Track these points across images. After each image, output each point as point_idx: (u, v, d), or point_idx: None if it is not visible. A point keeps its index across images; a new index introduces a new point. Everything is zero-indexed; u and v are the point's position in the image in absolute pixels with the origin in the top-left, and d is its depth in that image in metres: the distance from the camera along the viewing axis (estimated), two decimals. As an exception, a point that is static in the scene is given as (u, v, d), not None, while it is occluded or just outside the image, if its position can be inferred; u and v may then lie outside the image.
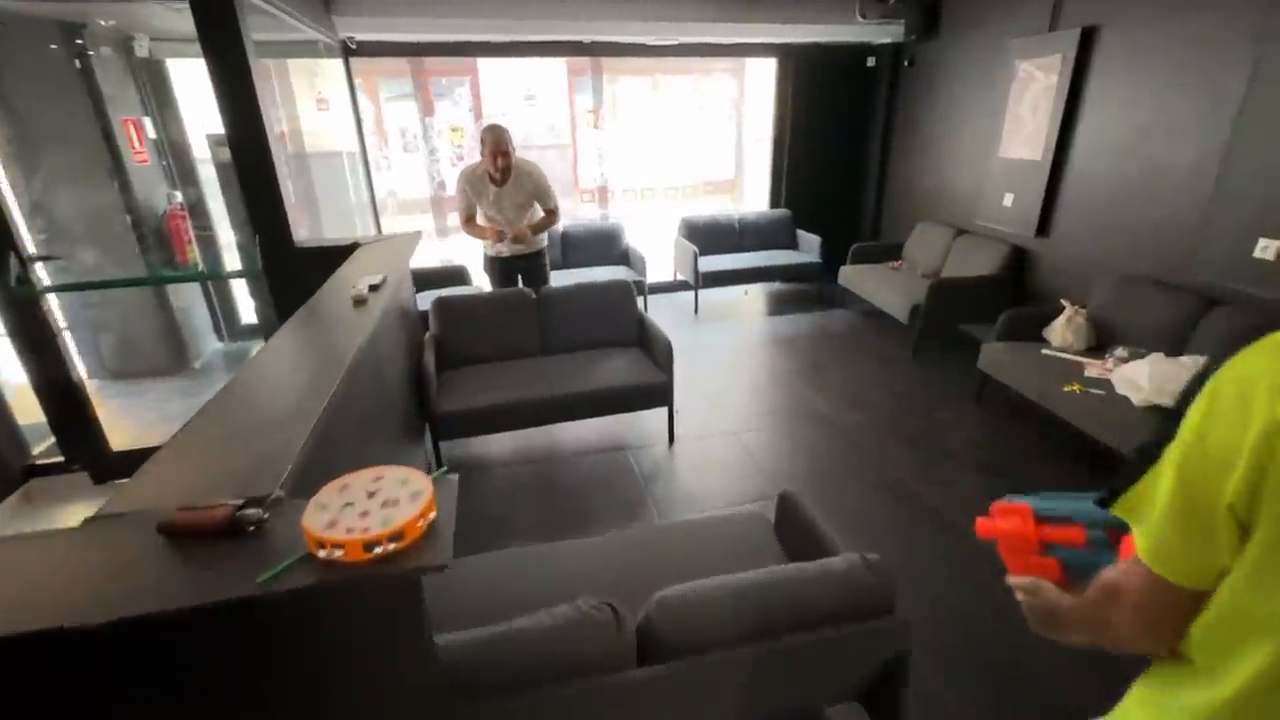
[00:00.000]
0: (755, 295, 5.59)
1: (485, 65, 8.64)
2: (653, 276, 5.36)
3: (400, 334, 2.59)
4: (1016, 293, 3.89)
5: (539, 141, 8.75)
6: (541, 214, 3.39)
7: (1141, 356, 2.68)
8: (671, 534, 1.84)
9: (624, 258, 5.19)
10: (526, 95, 9.72)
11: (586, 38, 4.48)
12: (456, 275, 4.53)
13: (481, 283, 4.29)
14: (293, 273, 2.70)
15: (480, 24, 4.06)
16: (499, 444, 3.09)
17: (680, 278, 5.47)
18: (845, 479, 2.75)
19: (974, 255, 4.10)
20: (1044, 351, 3.08)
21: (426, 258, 5.98)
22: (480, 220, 3.35)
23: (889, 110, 5.20)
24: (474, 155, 3.17)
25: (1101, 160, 3.32)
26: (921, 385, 3.67)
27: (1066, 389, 2.72)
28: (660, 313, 5.08)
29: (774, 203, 5.73)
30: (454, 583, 1.62)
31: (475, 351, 3.11)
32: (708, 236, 5.34)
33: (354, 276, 2.15)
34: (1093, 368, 2.84)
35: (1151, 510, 0.53)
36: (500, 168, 3.11)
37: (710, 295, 5.41)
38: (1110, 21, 3.19)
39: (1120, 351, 2.81)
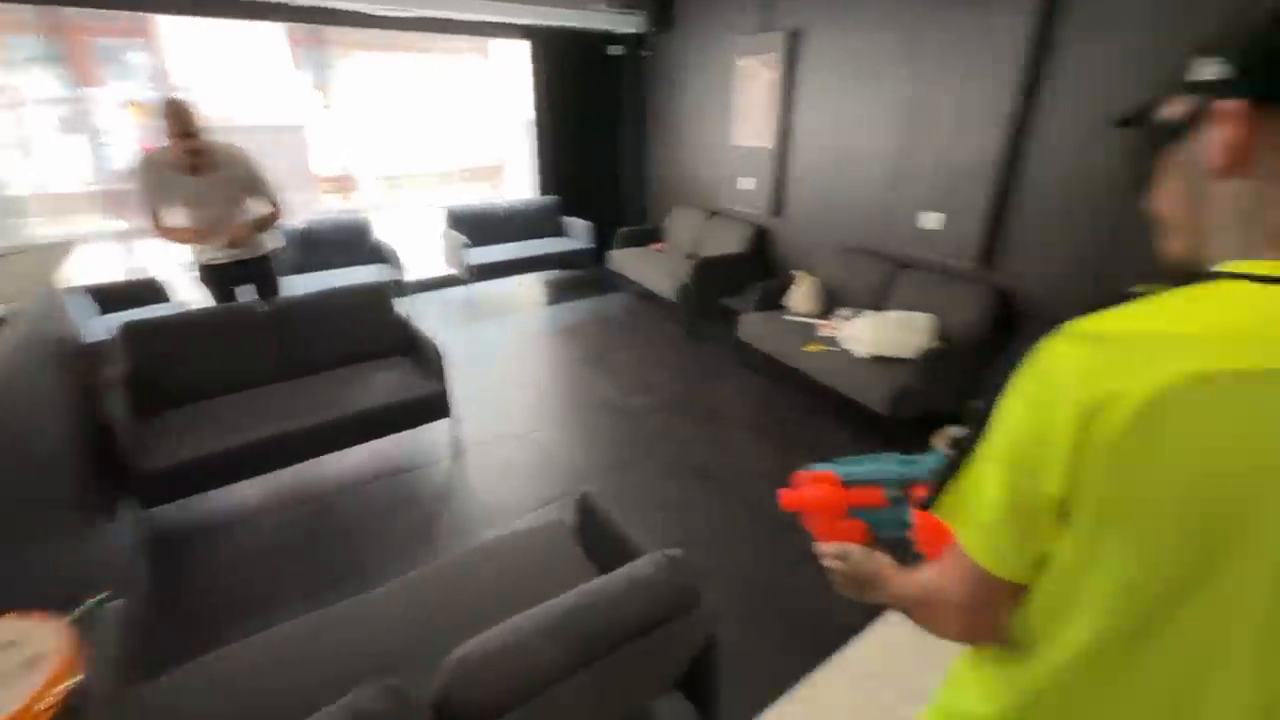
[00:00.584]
0: (530, 285, 5.47)
1: (170, 25, 6.98)
2: (417, 273, 4.91)
3: (57, 380, 1.92)
4: (763, 267, 4.37)
5: (255, 122, 7.39)
6: (262, 209, 2.82)
7: (860, 314, 3.17)
8: (467, 565, 1.65)
9: (376, 254, 4.64)
10: (236, 66, 8.16)
11: (301, 1, 3.83)
12: (149, 291, 3.59)
13: (190, 298, 3.48)
14: None
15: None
16: (241, 494, 2.52)
17: (450, 272, 5.09)
18: (640, 463, 2.80)
19: (725, 234, 4.49)
20: (787, 317, 3.49)
21: (108, 269, 4.68)
22: (177, 221, 2.65)
23: (638, 97, 5.42)
24: (159, 136, 2.49)
25: (815, 147, 3.84)
26: (697, 360, 3.93)
27: (809, 349, 3.11)
28: (431, 313, 4.67)
29: (541, 190, 5.63)
30: (185, 706, 1.23)
31: (192, 386, 2.49)
32: (476, 227, 5.05)
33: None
34: (825, 328, 3.29)
35: (974, 509, 0.52)
36: (190, 152, 2.48)
37: (484, 289, 5.14)
38: (811, 27, 3.67)
39: (844, 312, 3.31)
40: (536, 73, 5.18)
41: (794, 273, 3.65)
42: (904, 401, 2.66)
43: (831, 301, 3.55)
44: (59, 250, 2.14)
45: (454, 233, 4.85)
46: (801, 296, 3.52)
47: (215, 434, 2.25)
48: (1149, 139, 0.54)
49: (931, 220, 3.14)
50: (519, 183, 6.02)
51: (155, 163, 2.53)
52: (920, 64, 3.04)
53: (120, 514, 2.16)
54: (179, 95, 2.48)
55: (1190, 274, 0.47)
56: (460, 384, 3.13)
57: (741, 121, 4.30)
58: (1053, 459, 0.45)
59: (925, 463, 0.76)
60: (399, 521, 2.41)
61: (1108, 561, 0.47)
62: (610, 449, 2.93)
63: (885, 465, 0.79)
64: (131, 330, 2.39)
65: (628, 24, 4.84)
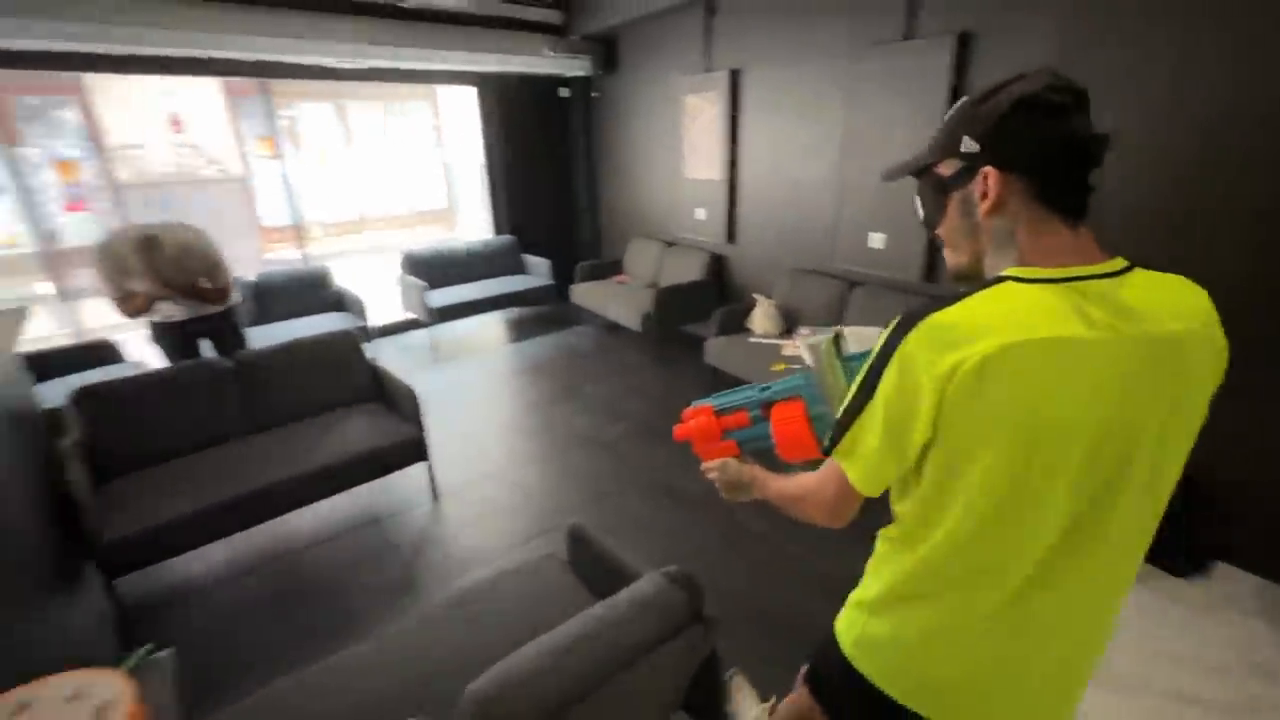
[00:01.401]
0: (494, 324, 5.48)
1: (98, 82, 6.81)
2: (377, 319, 4.87)
3: (14, 449, 1.85)
4: (723, 292, 4.52)
5: (196, 176, 7.24)
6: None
7: (818, 332, 3.32)
8: (462, 605, 1.65)
9: (337, 303, 4.60)
10: (170, 119, 7.99)
11: (249, 56, 3.84)
12: (101, 352, 3.46)
13: (146, 356, 3.36)
14: None
15: (72, 30, 3.13)
16: (207, 557, 2.43)
17: (410, 316, 5.07)
18: (621, 493, 2.83)
19: (683, 263, 4.63)
20: (750, 340, 3.62)
21: (50, 332, 4.49)
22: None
23: (588, 136, 5.58)
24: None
25: (762, 176, 4.04)
26: (665, 386, 4.01)
27: (774, 368, 3.23)
28: (395, 358, 4.63)
29: (497, 230, 5.69)
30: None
31: (152, 448, 2.41)
32: (434, 270, 5.06)
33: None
34: (788, 347, 3.43)
35: (859, 451, 0.73)
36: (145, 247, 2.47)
37: (446, 331, 5.12)
38: (749, 66, 3.90)
39: (804, 330, 3.46)
40: (485, 117, 5.30)
41: (754, 296, 3.80)
42: (867, 412, 2.79)
43: (791, 322, 3.70)
44: (11, 319, 2.07)
45: (411, 277, 4.84)
46: (762, 319, 3.66)
47: (178, 498, 2.18)
48: (934, 188, 0.76)
49: (877, 240, 3.35)
50: (475, 224, 6.06)
51: (114, 251, 2.47)
52: (855, 95, 3.27)
53: (84, 585, 2.05)
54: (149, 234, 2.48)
55: (986, 280, 0.68)
56: (433, 428, 3.10)
57: (692, 155, 4.49)
58: (919, 415, 0.66)
59: (776, 388, 0.96)
60: (382, 571, 2.37)
61: (964, 475, 0.68)
62: (590, 481, 2.96)
63: (748, 393, 0.97)
64: (85, 395, 2.31)
65: (575, 68, 5.02)
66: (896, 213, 3.21)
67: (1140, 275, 0.68)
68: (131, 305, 2.49)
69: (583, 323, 5.32)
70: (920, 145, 0.78)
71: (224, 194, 7.23)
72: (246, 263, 6.16)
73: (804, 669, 1.06)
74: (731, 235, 4.37)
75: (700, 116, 4.30)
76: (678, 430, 1.01)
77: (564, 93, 5.51)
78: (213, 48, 3.60)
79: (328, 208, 8.72)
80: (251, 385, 2.66)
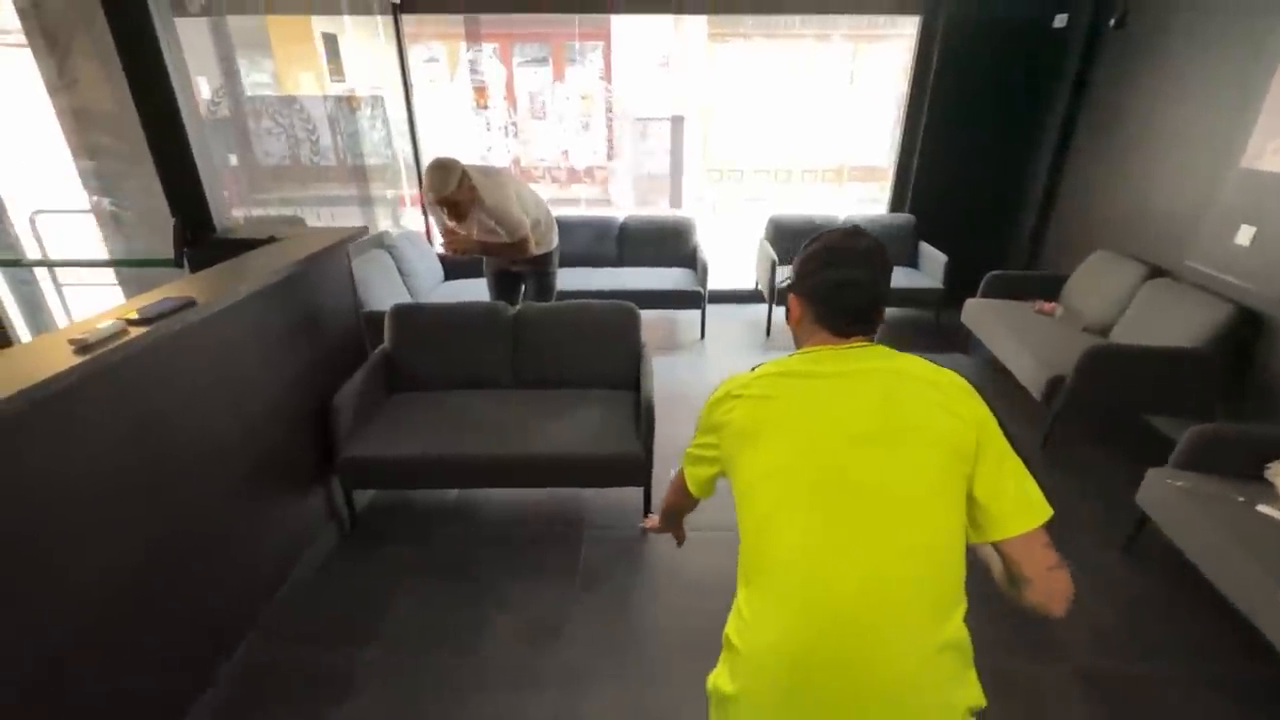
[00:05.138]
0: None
1: (619, 29, 8.05)
2: (727, 281, 4.52)
3: (298, 352, 2.10)
4: (1235, 383, 2.56)
5: (664, 114, 8.04)
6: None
7: None
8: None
9: (690, 259, 4.35)
10: (660, 62, 8.95)
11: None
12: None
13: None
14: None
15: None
16: (432, 494, 2.51)
17: (758, 288, 4.53)
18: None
19: (1172, 311, 2.77)
20: (1262, 508, 1.85)
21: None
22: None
23: (1076, 90, 3.78)
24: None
25: None
26: (1053, 505, 2.51)
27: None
28: (726, 331, 4.23)
29: (895, 205, 4.53)
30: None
31: (431, 375, 2.56)
32: (799, 242, 4.30)
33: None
34: (1361, 561, 1.62)
35: (690, 466, 1.09)
36: (444, 204, 2.43)
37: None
38: None
39: None
40: (920, 55, 4.05)
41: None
42: None
43: (1396, 507, 1.75)
44: (346, 234, 2.34)
45: (767, 246, 4.22)
46: (1312, 474, 1.85)
47: (420, 434, 2.22)
48: (785, 299, 1.08)
49: None
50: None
51: (431, 201, 2.49)
52: None
53: (326, 487, 2.32)
54: (442, 160, 2.37)
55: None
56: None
57: (1269, 130, 2.50)
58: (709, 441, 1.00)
59: None
60: (536, 601, 2.02)
61: (743, 470, 0.93)
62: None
63: None
64: (399, 315, 2.54)
65: (1087, -19, 3.31)
66: None
67: (873, 349, 0.94)
68: (448, 244, 2.57)
69: (964, 352, 3.87)
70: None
71: (684, 131, 7.90)
72: (673, 196, 6.87)
73: None
74: (1306, 288, 2.34)
75: (1323, 56, 2.28)
76: None
77: (1059, 22, 3.79)
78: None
79: (760, 153, 8.65)
80: (524, 340, 2.57)
